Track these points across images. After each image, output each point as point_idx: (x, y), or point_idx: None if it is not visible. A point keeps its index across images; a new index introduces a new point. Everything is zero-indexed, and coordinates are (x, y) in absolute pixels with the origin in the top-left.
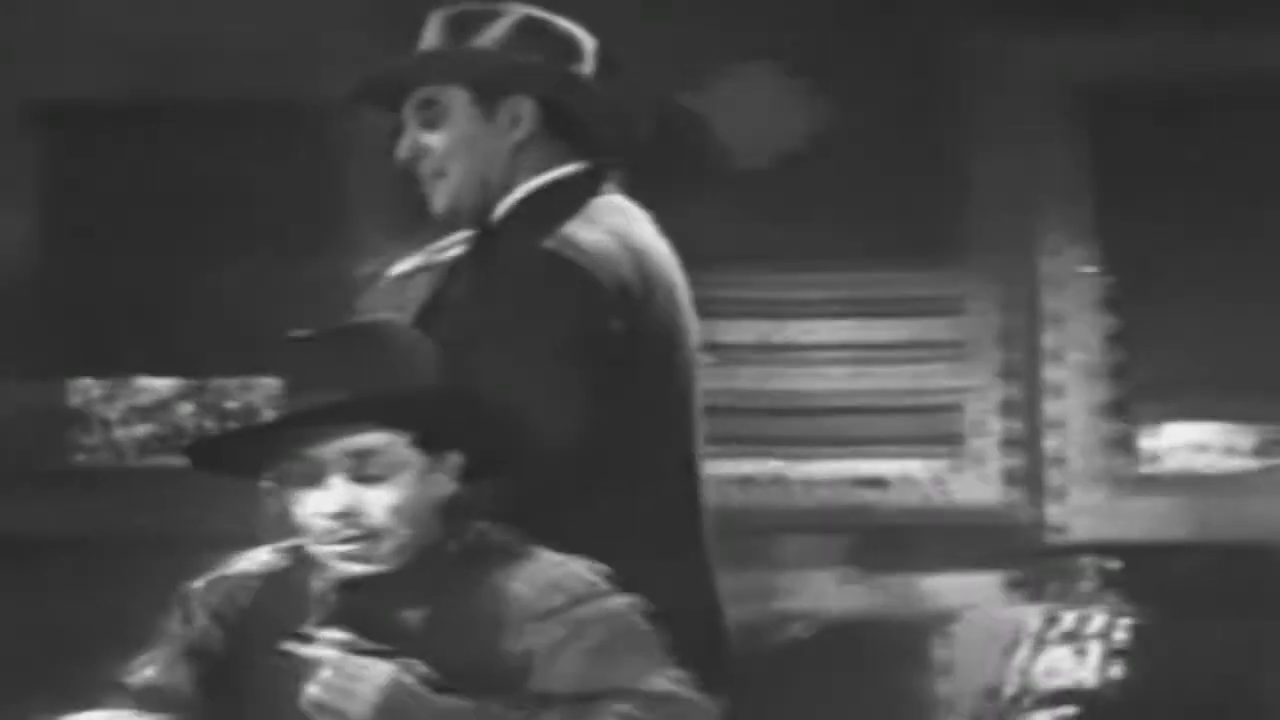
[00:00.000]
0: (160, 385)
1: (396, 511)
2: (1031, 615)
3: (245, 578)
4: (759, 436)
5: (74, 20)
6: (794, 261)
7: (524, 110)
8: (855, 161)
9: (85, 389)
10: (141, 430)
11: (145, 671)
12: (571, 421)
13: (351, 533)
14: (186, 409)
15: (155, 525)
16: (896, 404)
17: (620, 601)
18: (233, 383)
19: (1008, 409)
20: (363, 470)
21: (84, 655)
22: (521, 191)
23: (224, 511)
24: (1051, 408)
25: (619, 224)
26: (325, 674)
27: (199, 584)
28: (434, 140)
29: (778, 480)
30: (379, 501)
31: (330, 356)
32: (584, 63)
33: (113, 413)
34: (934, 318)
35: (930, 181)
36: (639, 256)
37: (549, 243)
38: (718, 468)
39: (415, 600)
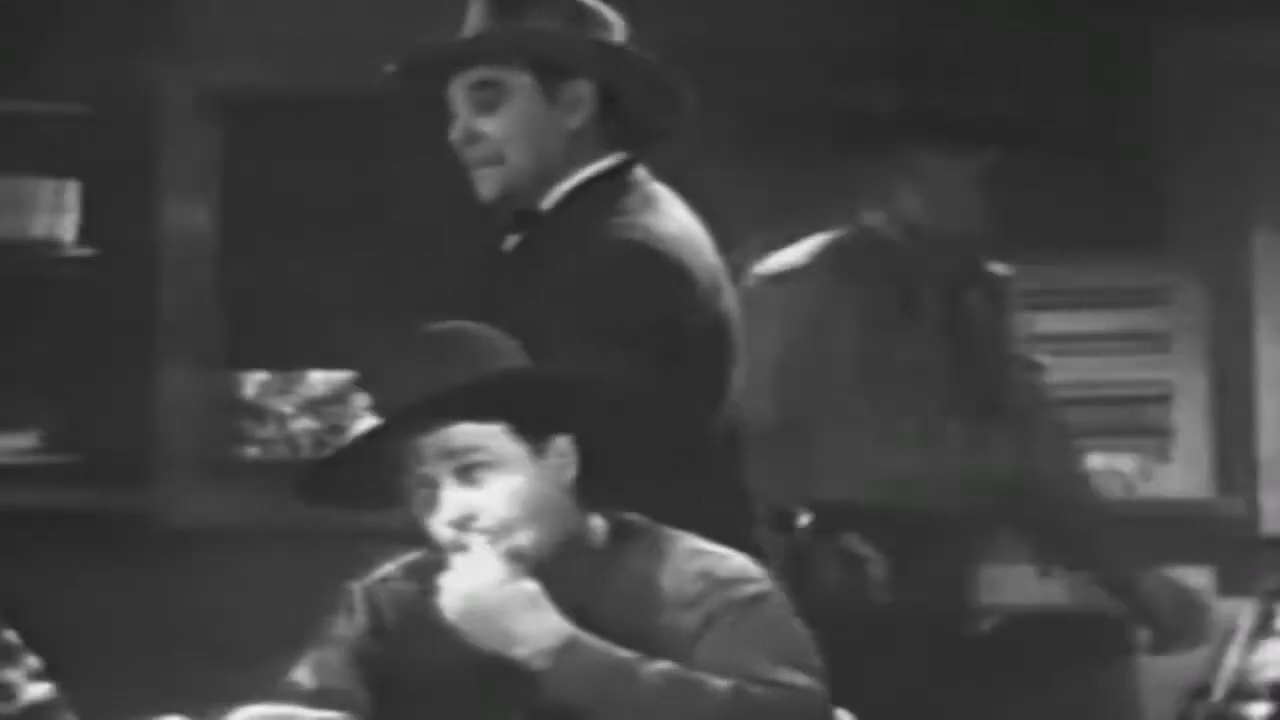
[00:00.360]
0: (334, 378)
1: (512, 506)
2: (1242, 610)
3: (410, 578)
4: None
5: (251, 11)
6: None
7: (585, 93)
8: (1058, 151)
9: (259, 381)
10: (315, 423)
11: (311, 671)
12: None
13: (473, 538)
14: (361, 402)
15: (328, 520)
16: (1102, 396)
17: (762, 589)
18: None
19: (1217, 401)
20: (466, 470)
21: (252, 650)
22: (576, 179)
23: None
24: (1263, 399)
25: (681, 215)
26: (455, 561)
27: (364, 583)
28: (491, 125)
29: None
30: (492, 500)
31: (409, 367)
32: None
33: (287, 406)
34: (1141, 309)
35: (1138, 171)
36: (703, 247)
37: (632, 234)
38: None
39: (566, 593)
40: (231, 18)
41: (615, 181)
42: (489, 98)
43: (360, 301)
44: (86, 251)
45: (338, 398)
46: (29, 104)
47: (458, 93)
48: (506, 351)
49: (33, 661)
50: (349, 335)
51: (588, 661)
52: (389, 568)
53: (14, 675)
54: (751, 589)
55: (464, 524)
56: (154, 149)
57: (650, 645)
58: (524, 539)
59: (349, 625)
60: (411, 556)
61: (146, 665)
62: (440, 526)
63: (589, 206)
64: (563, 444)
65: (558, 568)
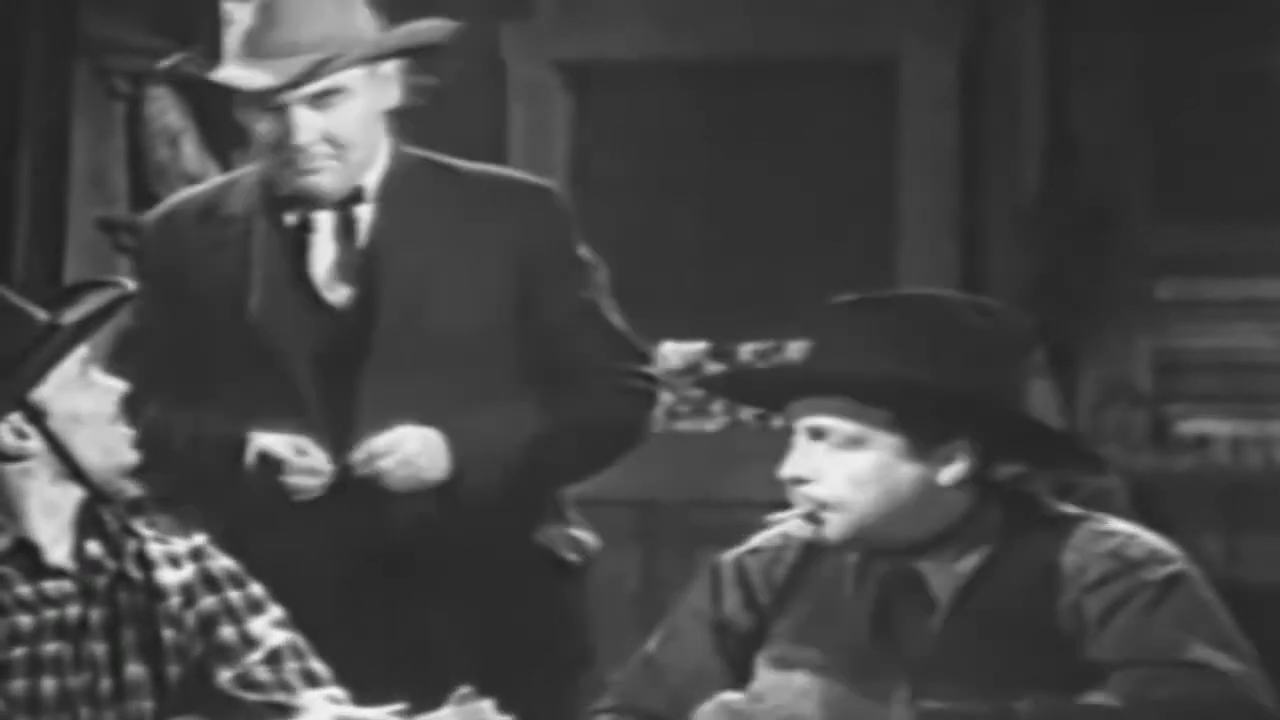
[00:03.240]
0: (688, 350)
1: (854, 488)
2: None
3: (780, 550)
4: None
5: None
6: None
7: (394, 72)
8: None
9: None
10: (669, 396)
11: (664, 643)
12: None
13: (803, 499)
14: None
15: (686, 492)
16: None
17: (1179, 570)
18: (763, 347)
19: None
20: (821, 432)
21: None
22: (385, 154)
23: (760, 478)
24: None
25: None
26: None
27: (732, 556)
28: (333, 121)
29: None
30: (836, 472)
31: (858, 325)
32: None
33: None
34: None
35: None
36: None
37: (542, 181)
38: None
39: (951, 569)
40: None
41: (411, 151)
42: (331, 98)
43: (719, 270)
44: None
45: (692, 369)
46: None
47: (294, 99)
48: (974, 327)
49: (276, 611)
50: (705, 305)
51: None
52: (758, 539)
53: (259, 625)
54: (1167, 569)
55: (798, 483)
56: (501, 120)
57: (1046, 629)
58: (847, 520)
59: (712, 599)
60: (788, 523)
61: None
62: (784, 477)
63: (419, 176)
64: (957, 446)
65: (947, 545)
